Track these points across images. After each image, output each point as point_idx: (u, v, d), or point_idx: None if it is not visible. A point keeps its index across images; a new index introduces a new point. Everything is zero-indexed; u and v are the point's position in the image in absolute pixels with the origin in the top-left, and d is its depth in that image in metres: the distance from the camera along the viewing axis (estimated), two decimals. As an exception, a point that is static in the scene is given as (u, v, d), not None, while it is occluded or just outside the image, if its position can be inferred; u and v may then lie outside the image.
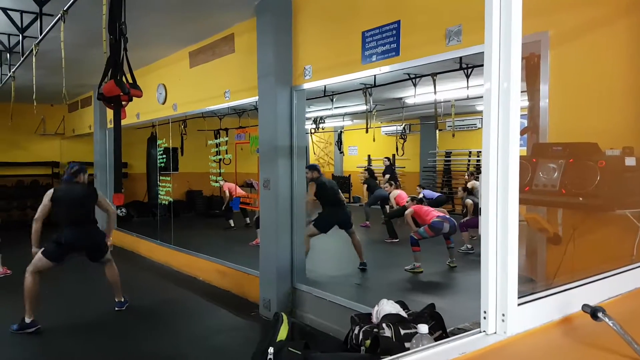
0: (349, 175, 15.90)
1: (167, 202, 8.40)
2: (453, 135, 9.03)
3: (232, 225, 10.42)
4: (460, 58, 5.13)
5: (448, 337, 1.69)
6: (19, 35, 5.23)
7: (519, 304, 1.37)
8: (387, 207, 10.07)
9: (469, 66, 5.82)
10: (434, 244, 6.83)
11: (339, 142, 14.20)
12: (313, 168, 6.46)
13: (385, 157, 12.56)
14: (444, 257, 6.80)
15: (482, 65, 1.35)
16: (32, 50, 4.76)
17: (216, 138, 8.01)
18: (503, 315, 1.33)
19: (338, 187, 6.95)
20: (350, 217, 6.62)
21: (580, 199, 2.23)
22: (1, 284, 6.52)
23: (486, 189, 1.33)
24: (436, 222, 6.54)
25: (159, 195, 8.57)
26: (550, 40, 2.66)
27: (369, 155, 15.07)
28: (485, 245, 1.33)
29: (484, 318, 1.35)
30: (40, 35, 4.66)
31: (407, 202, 7.37)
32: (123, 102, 2.94)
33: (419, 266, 6.40)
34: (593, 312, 1.39)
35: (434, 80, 6.22)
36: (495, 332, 1.34)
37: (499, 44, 1.36)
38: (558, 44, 2.66)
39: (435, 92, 6.40)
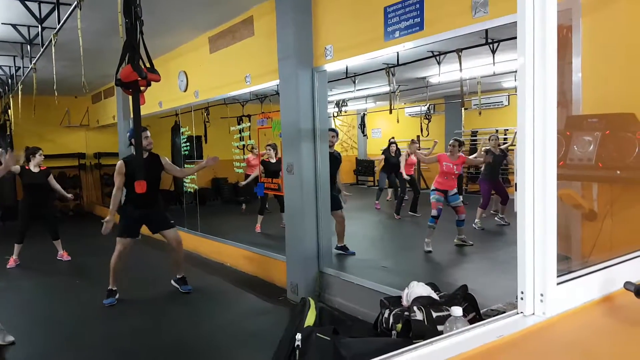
0: (373, 160, 15.77)
1: (192, 190, 8.47)
2: (479, 114, 8.81)
3: (243, 207, 10.92)
4: (487, 32, 4.96)
5: (482, 319, 1.63)
6: (38, 27, 5.21)
7: (558, 283, 1.31)
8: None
9: (494, 41, 5.63)
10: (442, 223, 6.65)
11: (362, 125, 14.02)
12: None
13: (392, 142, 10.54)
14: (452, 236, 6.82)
15: (508, 40, 1.30)
16: (50, 40, 4.75)
17: (239, 124, 7.99)
18: (541, 295, 1.27)
19: (338, 164, 6.22)
20: (336, 199, 6.10)
21: (618, 172, 2.13)
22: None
23: (522, 164, 1.27)
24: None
25: (185, 184, 8.65)
26: (582, 7, 2.52)
27: (392, 138, 14.90)
28: (522, 223, 1.27)
29: (521, 299, 1.29)
30: (58, 24, 4.64)
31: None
32: (141, 87, 2.90)
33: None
34: (637, 289, 1.33)
35: (459, 57, 6.03)
36: (533, 313, 1.28)
37: (533, 11, 1.30)
38: (591, 10, 2.52)
39: (460, 69, 6.21)
